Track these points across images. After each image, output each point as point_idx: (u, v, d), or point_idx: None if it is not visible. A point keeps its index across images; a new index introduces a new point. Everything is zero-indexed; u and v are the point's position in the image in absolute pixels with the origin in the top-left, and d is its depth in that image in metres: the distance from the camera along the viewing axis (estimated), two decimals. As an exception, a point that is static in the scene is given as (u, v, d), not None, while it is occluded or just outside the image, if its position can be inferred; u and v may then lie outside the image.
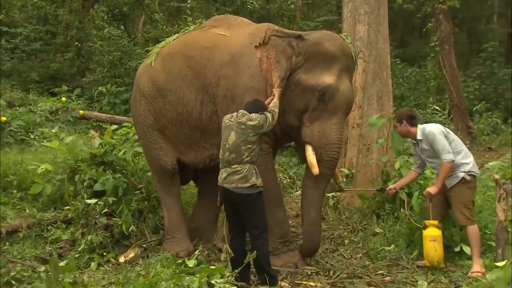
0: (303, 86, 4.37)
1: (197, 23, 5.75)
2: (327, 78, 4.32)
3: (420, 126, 4.53)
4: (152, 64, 5.09)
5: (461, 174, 4.33)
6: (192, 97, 4.81)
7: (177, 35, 5.37)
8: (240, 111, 4.07)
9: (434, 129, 4.41)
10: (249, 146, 3.93)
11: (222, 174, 3.97)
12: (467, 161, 4.38)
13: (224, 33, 4.88)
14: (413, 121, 4.55)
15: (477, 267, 4.19)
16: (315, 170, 4.26)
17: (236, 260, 3.96)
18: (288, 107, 4.38)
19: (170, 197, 5.14)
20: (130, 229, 5.02)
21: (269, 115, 4.04)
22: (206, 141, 4.91)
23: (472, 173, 4.38)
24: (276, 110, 4.12)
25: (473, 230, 4.30)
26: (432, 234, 4.32)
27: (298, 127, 4.44)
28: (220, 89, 4.65)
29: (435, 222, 4.37)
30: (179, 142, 5.05)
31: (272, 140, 4.60)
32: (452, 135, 4.47)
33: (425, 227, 4.40)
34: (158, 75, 5.01)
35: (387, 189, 4.89)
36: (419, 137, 4.49)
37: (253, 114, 4.00)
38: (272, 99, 4.23)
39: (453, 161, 4.29)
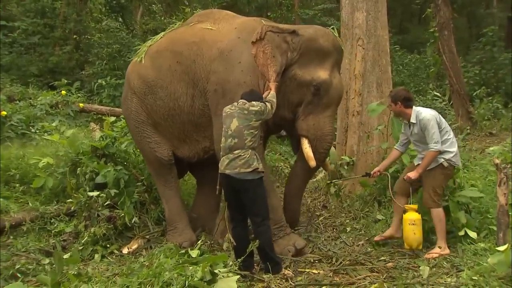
0: (299, 81, 4.50)
1: (195, 12, 5.75)
2: (322, 74, 4.50)
3: (415, 109, 4.51)
4: (142, 62, 5.15)
5: (441, 160, 4.39)
6: (182, 92, 4.86)
7: (163, 33, 5.41)
8: (240, 100, 4.13)
9: (428, 115, 4.41)
10: (252, 131, 4.02)
11: (224, 161, 4.00)
12: (451, 150, 4.42)
13: (210, 27, 4.93)
14: (408, 102, 4.52)
15: (437, 249, 4.34)
16: (313, 162, 4.47)
17: (239, 249, 3.99)
18: (282, 101, 4.46)
19: (169, 189, 5.18)
20: (132, 221, 5.05)
21: (268, 104, 4.15)
22: (198, 134, 4.97)
23: (451, 162, 4.42)
24: (274, 100, 4.23)
25: (437, 212, 4.40)
26: (411, 218, 4.41)
27: (292, 119, 4.60)
28: (210, 84, 4.70)
29: (415, 206, 4.48)
30: (172, 137, 5.10)
31: (264, 132, 4.69)
32: (443, 123, 4.48)
33: (405, 211, 4.50)
34: (148, 73, 5.05)
35: (372, 172, 4.88)
36: (413, 120, 4.48)
37: (254, 102, 4.09)
38: (269, 92, 4.31)
39: (439, 151, 4.34)
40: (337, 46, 4.68)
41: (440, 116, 4.51)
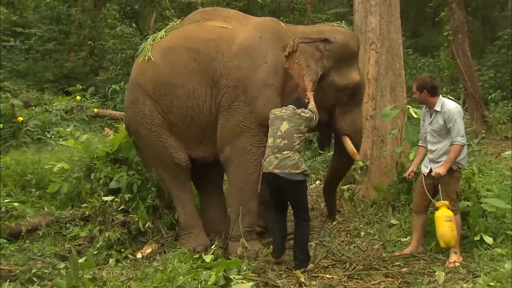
0: (337, 87, 4.80)
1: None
2: (354, 75, 4.87)
3: (441, 98, 4.39)
4: (150, 60, 4.90)
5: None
6: (202, 91, 4.77)
7: (163, 30, 5.22)
8: (289, 106, 4.40)
9: (455, 108, 4.31)
10: (300, 135, 4.29)
11: (272, 160, 4.21)
12: (462, 152, 4.32)
13: (225, 26, 4.91)
14: (435, 91, 4.40)
15: (455, 256, 4.25)
16: (357, 157, 5.04)
17: (277, 236, 4.44)
18: (319, 105, 4.57)
19: (185, 194, 5.08)
20: (146, 226, 5.02)
21: (314, 114, 4.41)
22: (216, 135, 4.88)
23: (459, 165, 4.34)
24: (316, 111, 4.44)
25: (456, 220, 4.28)
26: (446, 214, 4.21)
27: (326, 119, 4.84)
28: (230, 80, 4.67)
29: (446, 202, 4.27)
30: (188, 139, 4.97)
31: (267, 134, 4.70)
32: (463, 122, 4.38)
33: (437, 208, 4.30)
34: (160, 71, 4.85)
35: (407, 175, 4.75)
36: (437, 108, 4.35)
37: (305, 109, 4.38)
38: (308, 102, 4.52)
39: (464, 145, 4.25)
40: (359, 45, 5.05)
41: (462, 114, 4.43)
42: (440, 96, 4.43)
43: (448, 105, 4.33)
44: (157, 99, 4.89)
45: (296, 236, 4.38)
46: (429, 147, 4.49)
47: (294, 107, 4.36)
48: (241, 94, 4.62)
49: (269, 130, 4.35)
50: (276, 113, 4.36)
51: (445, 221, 4.19)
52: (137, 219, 5.01)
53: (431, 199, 4.42)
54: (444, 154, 4.33)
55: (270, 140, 4.30)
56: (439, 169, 4.27)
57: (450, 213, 4.22)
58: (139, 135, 5.12)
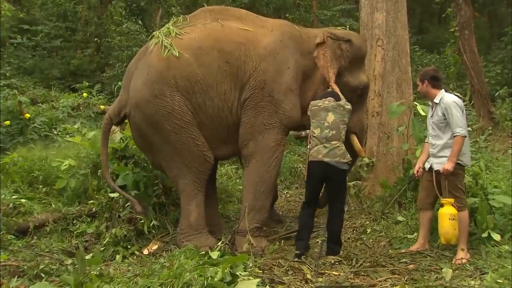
0: (351, 87, 5.09)
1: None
2: (363, 77, 5.25)
3: (442, 91, 4.42)
4: (182, 56, 4.71)
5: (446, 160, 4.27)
6: (232, 93, 4.84)
7: (170, 26, 5.03)
8: (329, 98, 4.61)
9: (454, 99, 4.31)
10: (344, 126, 4.52)
11: (321, 149, 4.39)
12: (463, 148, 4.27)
13: (248, 29, 4.98)
14: (436, 82, 4.45)
15: (462, 253, 4.22)
16: (363, 153, 5.34)
17: (303, 229, 4.54)
18: None
19: (201, 194, 4.94)
20: (151, 224, 5.03)
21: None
22: (238, 134, 4.95)
23: (461, 162, 4.28)
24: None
25: (464, 215, 4.26)
26: (450, 212, 4.20)
27: None
28: (258, 82, 4.80)
29: (452, 200, 4.25)
30: (214, 138, 4.93)
31: (287, 134, 5.05)
32: (465, 118, 4.33)
33: (442, 205, 4.30)
34: (194, 70, 4.73)
35: (415, 172, 4.69)
36: (436, 100, 4.39)
37: (345, 101, 4.63)
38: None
39: (465, 136, 4.21)
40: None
41: (464, 110, 4.38)
42: (443, 90, 4.45)
43: (446, 97, 4.35)
44: (189, 97, 4.76)
45: (330, 227, 4.55)
46: (430, 140, 4.51)
47: (332, 99, 4.57)
48: (267, 95, 4.80)
49: (313, 121, 4.53)
50: (319, 104, 4.55)
51: (449, 219, 4.19)
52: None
53: (439, 195, 4.40)
54: (444, 149, 4.32)
55: (316, 130, 4.47)
56: (447, 165, 4.23)
57: (454, 211, 4.20)
58: (161, 129, 4.81)
